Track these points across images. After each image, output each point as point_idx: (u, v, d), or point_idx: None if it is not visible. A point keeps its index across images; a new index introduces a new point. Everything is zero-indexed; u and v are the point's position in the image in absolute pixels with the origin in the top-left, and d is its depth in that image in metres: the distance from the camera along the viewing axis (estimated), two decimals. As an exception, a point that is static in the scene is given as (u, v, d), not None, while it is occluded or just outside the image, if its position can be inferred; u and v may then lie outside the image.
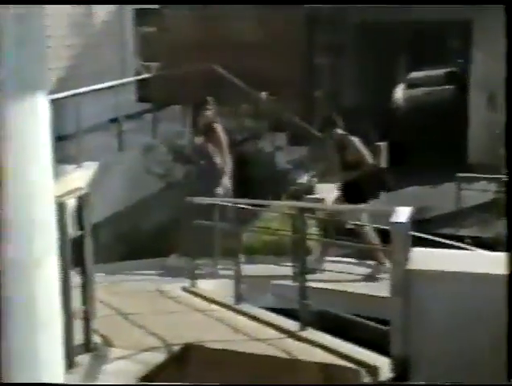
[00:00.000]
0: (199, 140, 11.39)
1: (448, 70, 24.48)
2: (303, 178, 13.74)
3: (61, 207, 5.09)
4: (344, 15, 18.44)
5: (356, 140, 10.12)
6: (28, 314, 4.14)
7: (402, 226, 5.44)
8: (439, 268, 5.40)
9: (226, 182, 10.94)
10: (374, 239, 9.55)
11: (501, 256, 6.30)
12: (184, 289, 8.17)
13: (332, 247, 10.15)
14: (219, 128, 11.32)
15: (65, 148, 10.69)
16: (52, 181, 4.32)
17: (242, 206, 8.84)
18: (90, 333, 6.04)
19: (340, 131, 10.32)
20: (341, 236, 9.97)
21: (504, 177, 16.20)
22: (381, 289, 7.35)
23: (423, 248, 5.69)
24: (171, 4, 17.47)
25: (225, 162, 11.02)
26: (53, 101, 4.21)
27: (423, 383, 5.00)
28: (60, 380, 4.58)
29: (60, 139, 9.05)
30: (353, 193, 9.93)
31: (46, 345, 4.33)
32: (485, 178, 16.08)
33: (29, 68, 4.00)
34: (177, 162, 12.50)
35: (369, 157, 10.08)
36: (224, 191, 10.69)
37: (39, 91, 4.08)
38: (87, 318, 5.98)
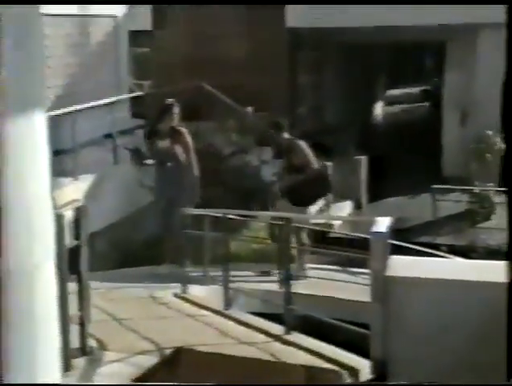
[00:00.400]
0: (164, 143, 10.60)
1: (423, 88, 24.56)
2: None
3: (59, 218, 5.07)
4: (327, 35, 18.44)
5: (302, 143, 9.99)
6: (27, 318, 4.13)
7: (382, 235, 5.44)
8: (416, 275, 5.39)
9: (196, 185, 10.56)
10: (305, 240, 9.64)
11: (475, 263, 6.33)
12: (176, 295, 8.15)
13: (313, 255, 10.18)
14: (185, 131, 10.75)
15: (62, 162, 10.69)
16: (50, 193, 4.31)
17: (231, 216, 8.83)
18: (86, 337, 6.02)
19: (286, 135, 10.30)
20: (325, 244, 10.00)
21: (476, 188, 16.34)
22: (361, 294, 7.35)
23: (400, 256, 5.68)
24: (168, 4, 17.45)
25: (192, 165, 10.53)
26: (51, 118, 4.20)
27: (423, 383, 4.98)
28: (57, 381, 4.56)
29: (58, 153, 9.04)
30: (298, 196, 9.69)
31: (43, 347, 4.32)
32: (458, 190, 16.14)
33: (28, 87, 3.99)
34: (134, 162, 11.13)
35: (314, 160, 9.90)
36: (194, 196, 10.41)
37: (37, 108, 4.07)
38: (83, 323, 5.96)
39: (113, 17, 16.27)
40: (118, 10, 16.40)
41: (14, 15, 3.87)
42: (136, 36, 17.56)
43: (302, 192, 9.68)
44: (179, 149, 10.46)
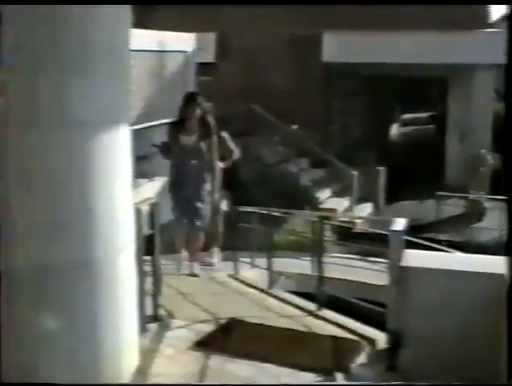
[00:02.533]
0: (188, 139, 7.99)
1: (431, 113, 24.37)
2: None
3: (137, 212, 5.04)
4: (355, 69, 18.42)
5: (226, 136, 8.76)
6: (112, 292, 4.11)
7: (399, 233, 5.40)
8: (424, 265, 5.35)
9: (217, 185, 8.22)
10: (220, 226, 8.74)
11: (471, 257, 6.25)
12: (230, 276, 8.11)
13: (340, 246, 10.13)
14: (212, 121, 8.10)
15: (141, 166, 10.71)
16: (131, 191, 4.29)
17: (274, 213, 8.79)
18: (158, 307, 6.00)
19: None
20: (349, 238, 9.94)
21: (471, 195, 16.23)
22: (379, 279, 7.29)
23: (412, 250, 5.62)
24: (171, 4, 17.46)
25: (215, 164, 8.09)
26: (133, 131, 4.18)
27: (422, 383, 4.88)
28: (135, 342, 4.53)
29: (138, 159, 9.03)
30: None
31: (125, 314, 4.30)
32: (457, 196, 16.11)
33: (117, 107, 3.98)
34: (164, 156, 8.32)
35: (237, 152, 8.83)
36: (218, 196, 8.29)
37: (123, 123, 4.06)
38: (155, 296, 5.95)
39: (185, 52, 16.36)
40: (189, 46, 16.47)
41: (108, 52, 3.85)
42: (202, 67, 17.56)
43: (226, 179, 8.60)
44: (204, 146, 7.90)
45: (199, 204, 7.99)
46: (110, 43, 3.91)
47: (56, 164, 3.81)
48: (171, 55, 15.67)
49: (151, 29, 13.86)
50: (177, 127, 8.05)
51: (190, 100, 8.18)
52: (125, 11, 4.02)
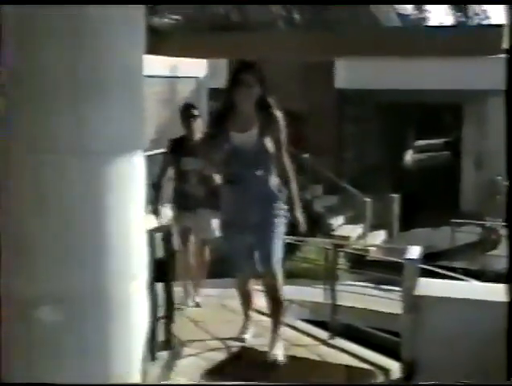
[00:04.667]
0: (241, 135, 5.19)
1: (445, 140, 24.38)
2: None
3: (151, 238, 5.08)
4: (368, 95, 18.49)
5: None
6: (124, 318, 4.13)
7: (413, 261, 5.42)
8: (439, 294, 5.35)
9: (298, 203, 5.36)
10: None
11: (487, 286, 6.23)
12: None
13: (354, 273, 10.11)
14: (281, 117, 5.25)
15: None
16: (145, 217, 4.33)
17: (288, 241, 8.80)
18: (169, 335, 6.01)
19: None
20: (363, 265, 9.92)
21: (486, 223, 16.18)
22: (392, 307, 7.28)
23: (427, 279, 5.63)
24: (171, 4, 17.51)
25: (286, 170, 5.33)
26: (147, 157, 4.23)
27: (422, 383, 4.88)
28: (147, 370, 4.55)
29: (151, 185, 9.09)
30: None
31: (137, 341, 4.32)
32: (472, 223, 16.08)
33: (131, 132, 4.02)
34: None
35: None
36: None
37: (137, 149, 4.10)
38: (167, 323, 5.96)
39: (196, 78, 16.48)
40: (201, 72, 16.62)
41: (121, 78, 3.90)
42: (213, 92, 17.71)
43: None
44: (269, 144, 5.17)
45: (271, 239, 5.36)
46: (124, 69, 3.96)
47: (70, 191, 3.85)
48: (184, 80, 15.79)
49: (164, 55, 14.02)
50: (223, 117, 5.22)
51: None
52: (139, 37, 4.08)
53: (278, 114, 5.17)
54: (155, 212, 7.07)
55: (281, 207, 5.32)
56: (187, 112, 7.17)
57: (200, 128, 7.00)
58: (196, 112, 7.16)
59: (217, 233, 6.50)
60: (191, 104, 7.49)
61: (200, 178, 6.87)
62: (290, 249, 10.01)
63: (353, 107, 18.88)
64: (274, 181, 5.27)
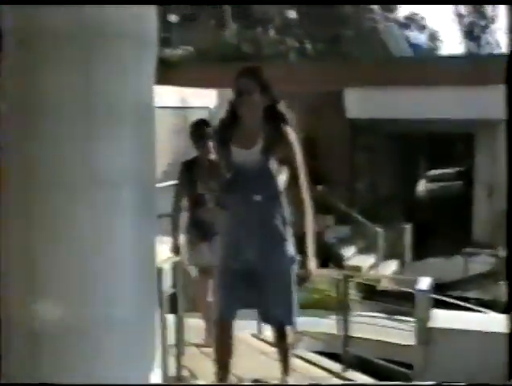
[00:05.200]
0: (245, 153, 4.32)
1: (458, 169, 24.37)
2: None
3: (160, 271, 5.07)
4: (379, 124, 18.54)
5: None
6: (135, 351, 4.10)
7: (425, 292, 5.38)
8: (452, 326, 5.30)
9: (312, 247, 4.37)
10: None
11: (500, 316, 6.18)
12: (253, 336, 8.07)
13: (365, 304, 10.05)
14: (292, 135, 4.32)
15: (164, 223, 10.73)
16: (156, 251, 4.32)
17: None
18: (180, 367, 5.98)
19: None
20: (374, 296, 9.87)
21: (499, 252, 16.12)
22: (404, 338, 7.23)
23: (440, 310, 5.59)
24: (172, 4, 17.53)
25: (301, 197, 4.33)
26: (160, 187, 4.22)
27: (423, 383, 4.83)
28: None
29: (161, 216, 9.08)
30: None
31: (148, 374, 4.29)
32: (485, 253, 16.02)
33: (142, 163, 4.03)
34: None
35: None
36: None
37: (148, 180, 4.10)
38: (178, 356, 5.93)
39: (207, 108, 16.54)
40: (211, 102, 16.69)
41: (133, 108, 3.91)
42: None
43: None
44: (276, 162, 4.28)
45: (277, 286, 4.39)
46: (135, 100, 3.97)
47: (81, 220, 3.85)
48: (195, 111, 15.85)
49: (175, 85, 14.11)
50: (227, 130, 4.37)
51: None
52: (150, 67, 4.10)
53: (288, 129, 4.18)
54: (175, 250, 6.57)
55: (287, 248, 4.23)
56: (199, 130, 6.45)
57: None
58: (209, 130, 6.28)
59: None
60: (203, 121, 6.70)
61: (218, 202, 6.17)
62: (300, 280, 10.01)
63: (364, 137, 18.92)
64: (281, 212, 4.22)
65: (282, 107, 4.30)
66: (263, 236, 4.22)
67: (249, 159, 4.17)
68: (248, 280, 4.32)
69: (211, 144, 6.02)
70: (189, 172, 6.53)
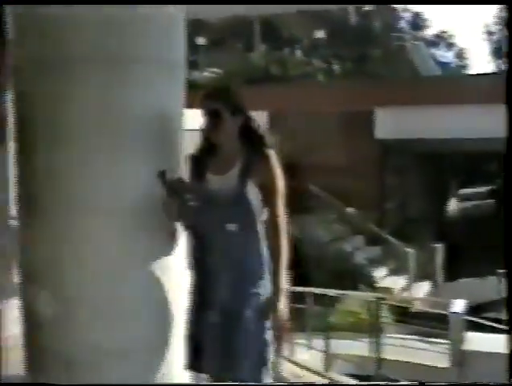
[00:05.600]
0: (220, 179, 3.73)
1: (489, 188, 24.21)
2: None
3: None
4: (409, 145, 18.49)
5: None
6: (165, 369, 4.10)
7: (458, 314, 5.33)
8: (486, 349, 5.25)
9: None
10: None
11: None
12: (285, 358, 8.04)
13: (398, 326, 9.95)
14: (273, 158, 3.70)
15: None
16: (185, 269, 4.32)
17: (331, 294, 8.76)
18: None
19: None
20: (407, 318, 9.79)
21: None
22: (440, 361, 7.15)
23: (474, 333, 5.53)
24: (170, 4, 17.57)
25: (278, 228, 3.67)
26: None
27: (423, 383, 4.75)
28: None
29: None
30: None
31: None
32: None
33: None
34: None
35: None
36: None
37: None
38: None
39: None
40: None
41: (160, 133, 3.93)
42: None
43: None
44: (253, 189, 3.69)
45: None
46: (164, 123, 3.99)
47: (108, 245, 3.87)
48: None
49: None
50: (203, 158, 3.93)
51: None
52: (179, 91, 4.12)
53: (267, 150, 3.78)
54: None
55: (261, 290, 3.67)
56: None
57: None
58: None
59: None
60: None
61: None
62: (333, 302, 9.96)
63: (394, 157, 18.86)
64: (257, 245, 3.72)
65: (258, 126, 3.87)
66: (236, 272, 3.69)
67: (224, 185, 3.73)
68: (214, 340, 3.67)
69: None
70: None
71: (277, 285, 3.58)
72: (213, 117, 3.74)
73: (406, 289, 15.87)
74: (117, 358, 3.95)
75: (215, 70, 26.00)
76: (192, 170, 3.83)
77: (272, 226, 3.70)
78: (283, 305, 3.57)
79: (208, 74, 25.16)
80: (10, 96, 4.80)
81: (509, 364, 3.62)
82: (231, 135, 3.78)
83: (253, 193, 3.68)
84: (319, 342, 8.06)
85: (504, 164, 3.51)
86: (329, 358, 7.71)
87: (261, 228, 3.69)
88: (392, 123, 17.72)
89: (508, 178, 3.42)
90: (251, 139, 3.79)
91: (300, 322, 8.63)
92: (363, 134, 18.07)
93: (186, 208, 3.64)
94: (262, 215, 3.68)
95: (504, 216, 3.47)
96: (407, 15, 39.47)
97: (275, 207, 3.71)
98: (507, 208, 3.46)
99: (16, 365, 4.48)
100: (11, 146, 4.82)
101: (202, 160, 3.84)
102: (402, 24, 38.54)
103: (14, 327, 4.73)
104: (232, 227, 3.65)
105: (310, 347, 8.53)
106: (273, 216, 3.69)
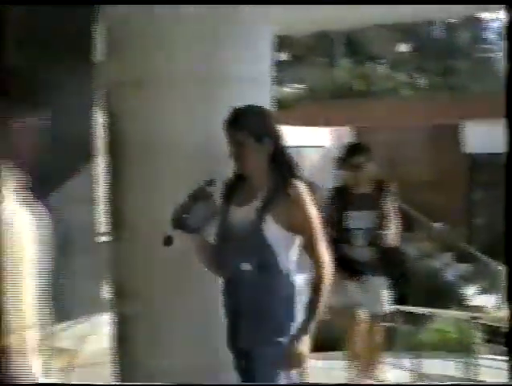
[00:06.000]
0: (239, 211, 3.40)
1: None
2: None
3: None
4: (499, 159, 18.14)
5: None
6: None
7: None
8: None
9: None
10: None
11: None
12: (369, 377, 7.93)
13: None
14: (302, 191, 3.27)
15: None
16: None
17: (420, 312, 8.61)
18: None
19: None
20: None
21: None
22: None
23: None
24: (171, 4, 17.56)
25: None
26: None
27: (423, 383, 4.57)
28: None
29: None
30: None
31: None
32: None
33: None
34: None
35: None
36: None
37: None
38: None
39: (322, 146, 16.70)
40: (326, 141, 16.83)
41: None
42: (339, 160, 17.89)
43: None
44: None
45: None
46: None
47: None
48: (309, 150, 15.98)
49: (287, 125, 14.19)
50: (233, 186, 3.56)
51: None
52: (266, 104, 4.13)
53: (294, 182, 3.31)
54: None
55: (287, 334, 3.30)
56: (352, 158, 5.74)
57: (370, 175, 5.71)
58: (362, 159, 5.70)
59: (388, 307, 5.70)
60: (358, 146, 6.11)
61: (371, 237, 5.52)
62: (422, 321, 9.79)
63: (483, 172, 18.55)
64: (281, 289, 3.32)
65: (288, 155, 3.42)
66: (255, 315, 3.32)
67: (242, 218, 3.34)
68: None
69: (364, 174, 5.68)
70: (337, 202, 5.71)
71: (304, 327, 3.26)
72: (236, 145, 3.37)
73: (499, 307, 15.49)
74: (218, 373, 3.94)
75: (299, 86, 26.05)
76: (222, 198, 3.50)
77: (315, 272, 3.29)
78: (305, 349, 3.25)
79: (292, 90, 25.23)
80: (99, 116, 4.91)
81: (509, 364, 3.49)
82: (258, 164, 3.38)
83: (273, 230, 3.26)
84: (407, 362, 7.91)
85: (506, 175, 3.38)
86: (417, 377, 7.56)
87: (289, 270, 3.31)
88: (481, 137, 17.42)
89: (508, 178, 3.31)
90: (279, 169, 3.36)
91: (388, 340, 8.51)
92: (450, 149, 17.84)
93: (203, 244, 3.40)
94: (290, 256, 3.31)
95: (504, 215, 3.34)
96: (494, 26, 38.85)
97: (313, 252, 3.30)
98: (507, 208, 3.34)
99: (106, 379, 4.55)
100: (100, 162, 4.92)
101: (232, 189, 3.50)
102: (489, 35, 37.88)
103: (105, 342, 4.82)
104: (247, 266, 3.30)
105: (398, 366, 8.39)
106: (314, 261, 3.30)
